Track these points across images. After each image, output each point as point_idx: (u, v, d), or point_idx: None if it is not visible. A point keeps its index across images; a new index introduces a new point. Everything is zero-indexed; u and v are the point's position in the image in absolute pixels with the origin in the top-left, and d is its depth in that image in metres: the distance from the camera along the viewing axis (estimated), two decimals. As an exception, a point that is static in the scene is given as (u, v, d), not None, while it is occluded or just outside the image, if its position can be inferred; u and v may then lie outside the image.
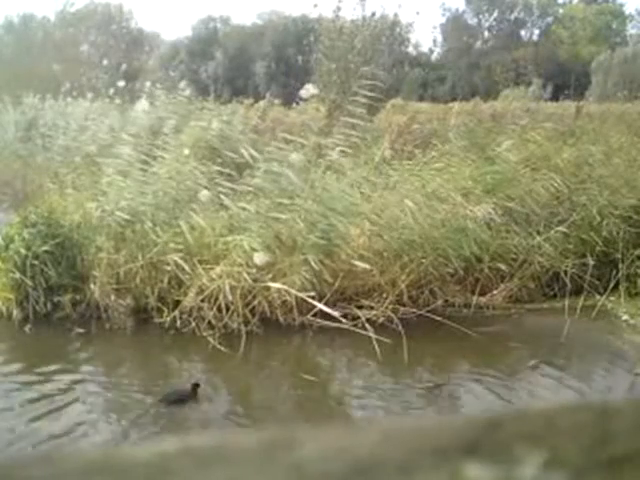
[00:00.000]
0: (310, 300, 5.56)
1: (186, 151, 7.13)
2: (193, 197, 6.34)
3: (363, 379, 5.03)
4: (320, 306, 5.55)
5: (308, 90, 6.80)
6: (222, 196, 6.36)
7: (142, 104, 10.02)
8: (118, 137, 7.90)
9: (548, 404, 0.36)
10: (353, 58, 14.90)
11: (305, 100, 7.31)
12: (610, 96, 33.10)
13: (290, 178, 5.92)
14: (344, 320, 5.56)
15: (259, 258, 5.53)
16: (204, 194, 6.17)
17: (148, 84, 12.22)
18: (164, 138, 7.66)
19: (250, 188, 6.24)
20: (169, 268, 5.83)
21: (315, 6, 17.42)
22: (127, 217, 6.06)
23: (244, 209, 6.06)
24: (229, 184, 6.52)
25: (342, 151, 6.40)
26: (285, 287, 5.60)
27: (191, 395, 4.44)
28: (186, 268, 5.76)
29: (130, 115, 10.97)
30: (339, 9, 15.62)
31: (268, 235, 5.86)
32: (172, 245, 5.89)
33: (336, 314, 5.46)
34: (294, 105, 15.35)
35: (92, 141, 10.36)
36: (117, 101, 13.14)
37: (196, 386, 4.47)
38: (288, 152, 6.16)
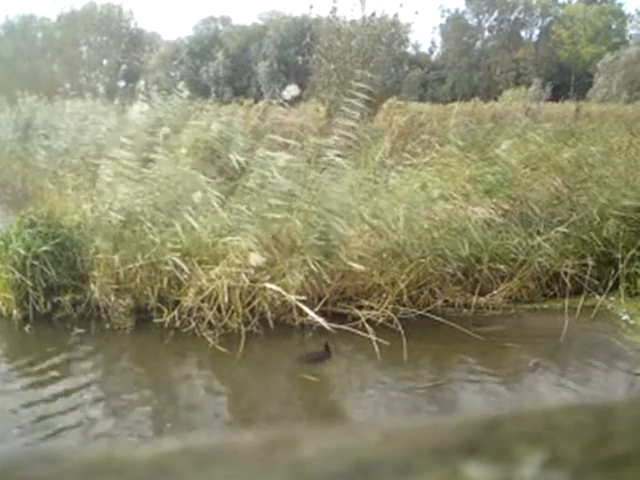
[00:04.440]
0: (300, 305, 5.55)
1: (183, 150, 7.12)
2: (191, 198, 6.33)
3: (363, 379, 5.03)
4: (311, 313, 5.54)
5: (290, 92, 6.82)
6: (220, 197, 6.35)
7: (137, 106, 9.97)
8: (116, 138, 7.88)
9: (548, 404, 0.36)
10: (351, 59, 14.90)
11: (288, 101, 7.31)
12: (614, 97, 33.18)
13: (281, 180, 5.91)
14: (340, 321, 5.57)
15: (254, 259, 5.54)
16: (197, 195, 6.17)
17: (142, 83, 12.19)
18: (162, 139, 7.64)
19: (247, 190, 6.24)
20: (168, 269, 5.83)
21: (311, 7, 17.48)
22: (125, 218, 6.06)
23: (241, 210, 6.05)
24: (227, 186, 6.52)
25: (341, 152, 6.39)
26: (279, 289, 5.59)
27: (325, 354, 5.09)
28: (185, 269, 5.76)
29: (128, 116, 10.94)
30: (335, 9, 15.65)
31: (265, 236, 5.86)
32: (171, 246, 5.88)
33: (321, 320, 5.45)
34: (280, 106, 15.32)
35: (91, 141, 10.37)
36: (116, 102, 13.14)
37: (327, 347, 5.12)
38: (280, 154, 6.16)
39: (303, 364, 5.10)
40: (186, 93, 10.68)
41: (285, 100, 7.18)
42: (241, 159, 6.63)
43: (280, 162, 5.97)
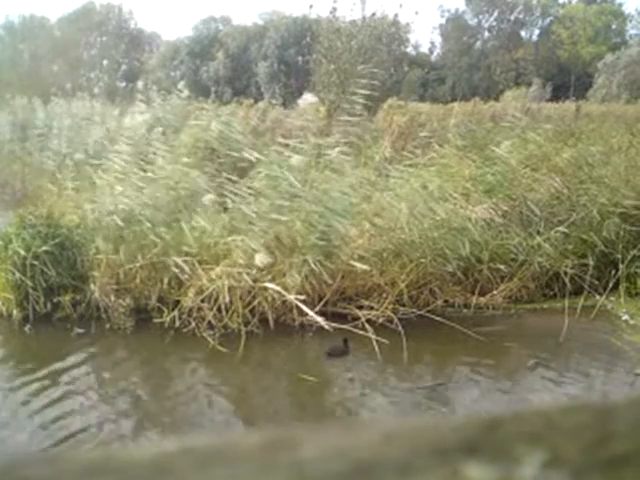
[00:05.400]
0: (300, 304, 5.54)
1: (183, 151, 7.11)
2: (192, 199, 6.32)
3: (363, 379, 5.03)
4: (310, 313, 5.54)
5: (306, 100, 6.89)
6: (223, 198, 6.34)
7: (136, 107, 9.93)
8: (115, 138, 7.88)
9: (548, 404, 0.36)
10: (351, 59, 14.90)
11: (290, 104, 7.39)
12: (614, 97, 33.21)
13: (290, 181, 5.91)
14: (340, 321, 5.57)
15: (260, 259, 5.54)
16: (208, 198, 6.16)
17: (140, 84, 12.20)
18: (161, 139, 7.63)
19: (250, 191, 6.23)
20: (167, 270, 5.82)
21: (310, 7, 17.53)
22: (125, 219, 6.05)
23: (243, 211, 6.04)
24: (230, 187, 6.51)
25: (341, 151, 6.39)
26: (279, 288, 5.59)
27: (346, 349, 5.36)
28: (186, 269, 5.75)
29: (126, 117, 10.94)
30: (335, 10, 15.66)
31: (268, 236, 5.85)
32: (171, 246, 5.87)
33: (320, 319, 5.45)
34: (279, 107, 15.33)
35: (89, 142, 10.37)
36: (116, 102, 13.14)
37: (345, 341, 5.37)
38: (288, 155, 6.16)
39: (328, 358, 5.31)
40: (185, 93, 10.67)
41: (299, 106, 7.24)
42: (256, 154, 6.59)
43: (293, 162, 5.97)
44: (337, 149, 6.32)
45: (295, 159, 6.02)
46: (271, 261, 5.62)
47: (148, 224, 5.99)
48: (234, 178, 6.53)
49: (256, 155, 6.57)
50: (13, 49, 44.17)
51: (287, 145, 6.48)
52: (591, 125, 12.86)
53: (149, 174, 6.59)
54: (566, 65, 48.32)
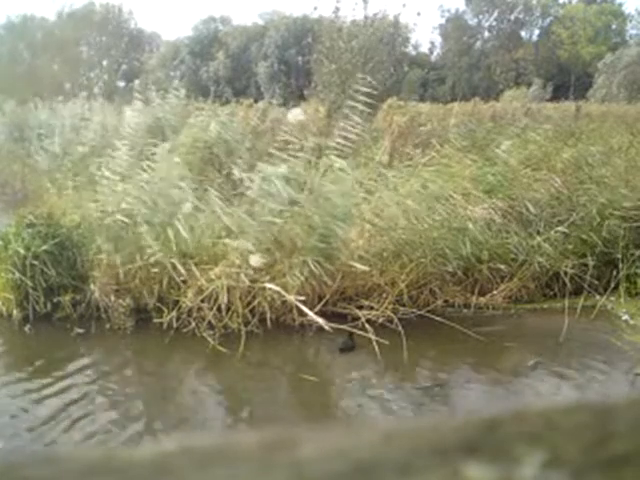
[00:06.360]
0: (300, 305, 5.54)
1: (182, 150, 7.10)
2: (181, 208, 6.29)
3: (363, 379, 5.03)
4: (310, 313, 5.53)
5: (296, 116, 6.86)
6: (220, 201, 6.33)
7: (135, 106, 9.88)
8: (114, 139, 7.87)
9: (548, 404, 0.36)
10: (352, 59, 14.88)
11: (292, 123, 7.36)
12: (614, 97, 33.23)
13: (281, 188, 5.88)
14: (340, 321, 5.57)
15: (254, 260, 5.54)
16: (187, 207, 6.15)
17: (137, 82, 12.19)
18: (160, 140, 7.62)
19: (247, 199, 6.22)
20: (165, 271, 5.82)
21: (315, 8, 17.48)
22: (124, 220, 6.04)
23: (239, 214, 6.02)
24: (228, 186, 6.50)
25: (341, 152, 6.38)
26: (279, 289, 5.59)
27: (353, 344, 5.47)
28: (182, 271, 5.74)
29: (124, 117, 10.92)
30: (338, 9, 15.63)
31: (266, 237, 5.84)
32: (169, 247, 5.85)
33: (320, 320, 5.44)
34: (279, 107, 15.24)
35: (89, 140, 10.37)
36: (115, 102, 13.16)
37: (351, 335, 5.46)
38: (279, 162, 6.12)
39: (341, 353, 5.41)
40: (182, 92, 10.67)
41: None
42: (244, 175, 6.58)
43: (282, 170, 5.96)
44: (337, 152, 6.30)
45: (282, 169, 5.97)
46: (263, 263, 5.61)
47: (145, 226, 5.96)
48: (234, 175, 6.51)
49: (242, 175, 6.55)
50: (13, 48, 44.19)
51: (287, 144, 6.46)
52: (591, 125, 12.88)
53: (144, 176, 6.58)
54: (566, 65, 48.34)
